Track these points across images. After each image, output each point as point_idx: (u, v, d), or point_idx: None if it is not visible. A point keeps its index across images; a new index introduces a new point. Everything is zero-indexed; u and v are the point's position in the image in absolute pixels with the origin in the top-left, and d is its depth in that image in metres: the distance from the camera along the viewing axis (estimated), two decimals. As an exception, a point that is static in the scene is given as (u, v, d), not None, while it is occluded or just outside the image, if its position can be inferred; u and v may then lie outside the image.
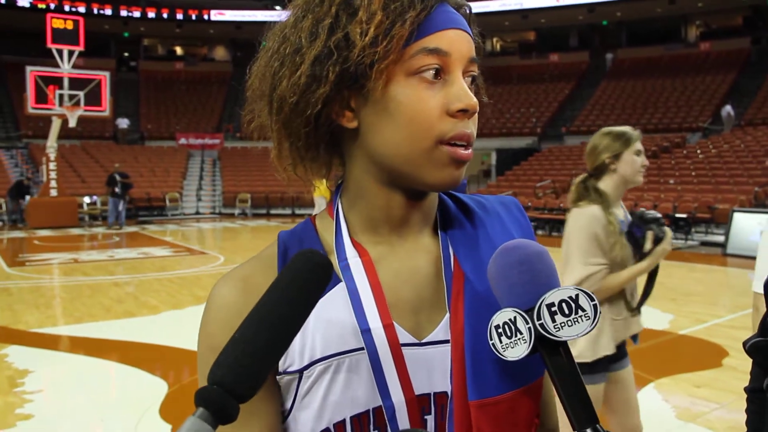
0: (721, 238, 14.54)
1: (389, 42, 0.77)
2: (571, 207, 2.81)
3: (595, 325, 0.68)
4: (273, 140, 0.88)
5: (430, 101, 0.79)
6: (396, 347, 0.81)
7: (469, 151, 0.81)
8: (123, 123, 31.11)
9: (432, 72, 0.79)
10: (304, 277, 0.66)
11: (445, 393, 0.83)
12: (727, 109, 24.60)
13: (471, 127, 0.81)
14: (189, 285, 9.97)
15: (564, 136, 29.09)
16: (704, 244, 15.43)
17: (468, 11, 0.86)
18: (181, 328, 7.23)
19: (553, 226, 17.98)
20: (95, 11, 34.19)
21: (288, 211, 25.49)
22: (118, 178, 19.31)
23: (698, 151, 21.42)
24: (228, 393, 0.59)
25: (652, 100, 29.11)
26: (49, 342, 6.74)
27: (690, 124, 25.97)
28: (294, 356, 0.81)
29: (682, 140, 23.88)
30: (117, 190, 19.27)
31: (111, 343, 6.60)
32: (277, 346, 0.64)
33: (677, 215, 15.89)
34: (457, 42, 0.80)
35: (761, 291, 2.27)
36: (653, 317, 7.54)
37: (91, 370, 5.82)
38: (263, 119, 0.89)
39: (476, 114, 0.82)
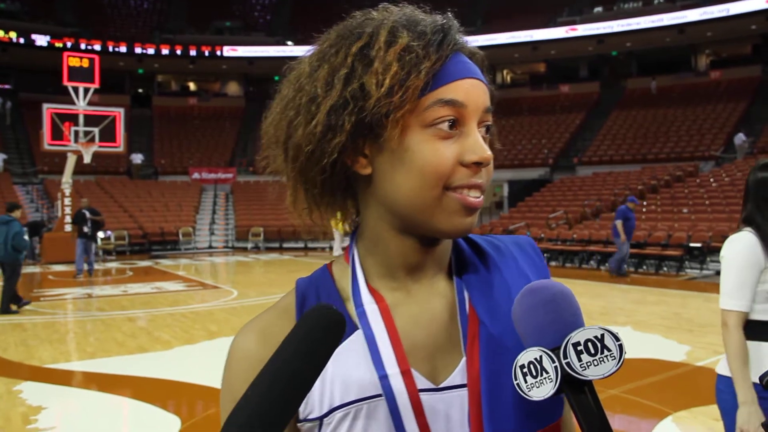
0: (737, 268, 14.34)
1: (404, 92, 0.78)
2: None
3: (621, 365, 0.68)
4: (288, 187, 0.89)
5: (446, 152, 0.79)
6: (414, 393, 0.80)
7: (480, 199, 0.82)
8: (137, 158, 31.42)
9: (447, 124, 0.79)
10: (317, 333, 0.66)
11: None
12: (740, 136, 24.55)
13: (484, 177, 0.82)
14: (202, 320, 9.95)
15: (576, 166, 29.08)
16: (720, 273, 15.24)
17: (481, 59, 0.87)
18: (194, 364, 7.21)
19: (567, 257, 17.90)
20: (110, 49, 34.79)
21: (301, 245, 25.51)
22: (87, 215, 16.15)
23: (711, 180, 21.34)
24: None
25: (663, 129, 29.11)
26: (63, 378, 6.73)
27: (702, 153, 25.91)
28: (314, 404, 0.82)
29: (695, 169, 23.81)
30: (86, 229, 16.07)
31: (124, 379, 6.58)
32: (289, 404, 0.63)
33: (691, 245, 15.77)
34: (472, 93, 0.81)
35: (727, 308, 2.43)
36: (670, 349, 7.45)
37: (104, 406, 5.79)
38: (278, 165, 0.89)
39: (491, 168, 0.83)
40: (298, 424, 0.83)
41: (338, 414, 0.81)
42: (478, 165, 0.80)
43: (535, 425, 0.82)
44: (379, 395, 0.80)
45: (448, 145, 0.79)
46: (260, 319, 0.88)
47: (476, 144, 0.80)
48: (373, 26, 0.83)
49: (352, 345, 0.83)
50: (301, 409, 0.82)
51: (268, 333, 0.85)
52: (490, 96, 0.85)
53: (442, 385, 0.83)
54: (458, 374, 0.83)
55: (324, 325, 0.66)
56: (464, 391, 0.82)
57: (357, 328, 0.84)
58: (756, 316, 2.44)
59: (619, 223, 14.16)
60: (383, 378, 0.80)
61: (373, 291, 0.87)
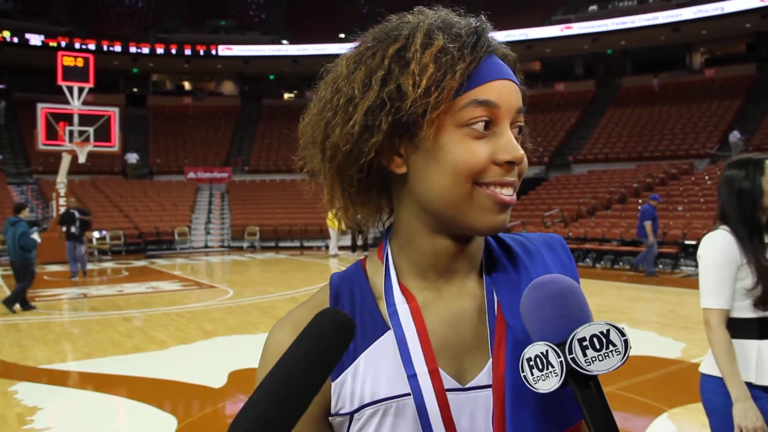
0: (732, 265, 14.34)
1: (440, 93, 0.79)
2: None
3: (625, 360, 0.69)
4: (325, 186, 0.91)
5: (479, 150, 0.81)
6: (441, 393, 0.82)
7: (512, 197, 0.83)
8: (132, 158, 31.35)
9: (482, 124, 0.80)
10: (326, 337, 0.67)
11: None
12: (735, 134, 24.61)
13: (516, 175, 0.84)
14: (198, 319, 9.94)
15: (571, 164, 29.12)
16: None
17: (513, 61, 0.89)
18: (190, 363, 7.20)
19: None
20: (105, 48, 34.68)
21: (296, 244, 25.52)
22: (77, 215, 15.61)
23: (706, 178, 21.37)
24: None
25: (658, 127, 29.17)
26: (58, 378, 6.72)
27: (697, 151, 25.97)
28: (345, 399, 0.84)
29: (690, 167, 23.85)
30: (74, 230, 15.45)
31: (120, 379, 6.58)
32: (296, 406, 0.64)
33: (686, 242, 15.78)
34: (505, 93, 0.82)
35: (709, 306, 2.46)
36: (665, 346, 7.47)
37: (100, 406, 5.78)
38: (315, 165, 0.91)
39: (525, 166, 0.85)
40: (330, 418, 0.85)
41: (368, 410, 0.83)
42: (511, 164, 0.82)
43: (557, 428, 0.83)
44: (408, 394, 0.82)
45: (482, 144, 0.81)
46: (295, 313, 0.91)
47: (509, 143, 0.82)
48: (409, 29, 0.85)
49: (384, 344, 0.86)
50: (333, 403, 0.85)
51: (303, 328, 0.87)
52: (522, 97, 0.87)
53: (468, 386, 0.85)
54: (484, 375, 0.85)
55: (333, 330, 0.67)
56: (489, 392, 0.84)
57: (389, 328, 0.86)
58: (736, 314, 2.47)
59: (648, 224, 14.04)
60: (412, 377, 0.82)
61: (404, 290, 0.89)
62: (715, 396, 2.48)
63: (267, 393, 0.63)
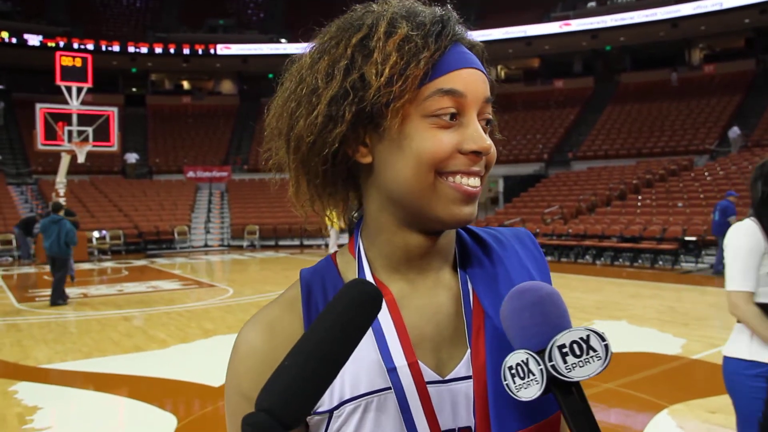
0: (732, 261, 14.27)
1: (404, 82, 0.78)
2: None
3: (607, 365, 0.69)
4: (290, 178, 0.90)
5: (444, 139, 0.80)
6: (422, 385, 0.81)
7: (478, 189, 0.82)
8: (131, 158, 31.33)
9: (448, 116, 0.80)
10: (355, 306, 0.66)
11: (469, 428, 0.83)
12: (735, 130, 24.59)
13: (482, 166, 0.82)
14: (198, 318, 9.94)
15: (571, 161, 29.11)
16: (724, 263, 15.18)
17: (481, 50, 0.88)
18: (190, 362, 7.21)
19: (562, 252, 17.92)
20: (103, 48, 34.60)
21: (296, 243, 25.51)
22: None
23: (706, 174, 21.37)
24: (276, 420, 0.60)
25: (658, 123, 29.15)
26: (59, 378, 6.72)
27: (697, 147, 25.95)
28: (324, 396, 0.82)
29: (689, 163, 23.85)
30: None
31: (120, 378, 6.58)
32: (326, 375, 0.64)
33: (687, 238, 15.80)
34: (472, 82, 0.82)
35: (735, 289, 2.62)
36: (665, 342, 7.47)
37: (100, 405, 5.79)
38: (281, 157, 0.90)
39: (493, 157, 0.84)
40: (307, 418, 0.83)
41: (348, 407, 0.81)
42: (477, 154, 0.81)
43: (540, 416, 0.83)
44: (389, 388, 0.81)
45: (448, 134, 0.80)
46: (266, 312, 0.88)
47: (476, 133, 0.81)
48: (372, 18, 0.84)
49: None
50: None
51: (275, 327, 0.86)
52: (490, 87, 0.86)
53: (447, 378, 0.84)
54: (463, 366, 0.84)
55: (361, 300, 0.67)
56: (469, 383, 0.83)
57: None
58: (759, 299, 2.62)
59: (733, 219, 13.65)
60: (392, 371, 0.81)
61: (379, 283, 0.88)
62: (739, 377, 2.60)
63: (298, 362, 0.63)
